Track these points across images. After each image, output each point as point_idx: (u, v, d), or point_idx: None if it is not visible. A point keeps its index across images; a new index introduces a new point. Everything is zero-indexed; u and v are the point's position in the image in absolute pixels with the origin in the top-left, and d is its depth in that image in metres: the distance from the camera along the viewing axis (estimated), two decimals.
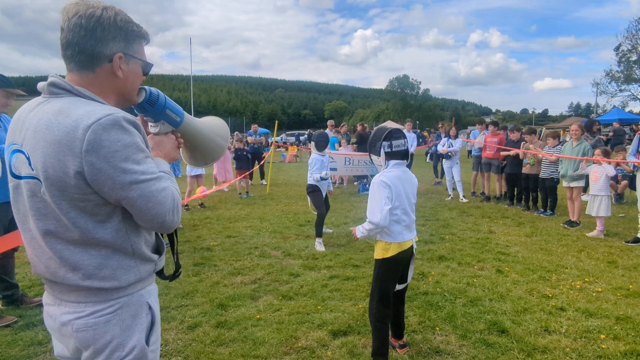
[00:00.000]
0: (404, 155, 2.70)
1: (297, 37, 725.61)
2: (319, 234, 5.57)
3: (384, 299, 2.66)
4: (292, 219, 7.33)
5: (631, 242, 5.49)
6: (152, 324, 1.33)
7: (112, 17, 1.20)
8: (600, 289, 3.90)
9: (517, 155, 7.86)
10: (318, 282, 4.25)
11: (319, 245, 5.48)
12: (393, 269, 2.68)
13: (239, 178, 9.60)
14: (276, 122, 12.18)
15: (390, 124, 49.60)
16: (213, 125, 1.66)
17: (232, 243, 5.79)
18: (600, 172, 5.95)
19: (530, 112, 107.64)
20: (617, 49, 43.47)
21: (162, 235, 1.45)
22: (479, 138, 9.29)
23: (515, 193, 8.36)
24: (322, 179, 5.68)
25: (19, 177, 1.21)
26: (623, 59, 42.87)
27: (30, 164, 1.16)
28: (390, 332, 2.91)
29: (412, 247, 2.72)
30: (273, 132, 11.54)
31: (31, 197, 1.18)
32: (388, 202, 2.54)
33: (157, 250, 1.39)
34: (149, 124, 1.45)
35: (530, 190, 7.88)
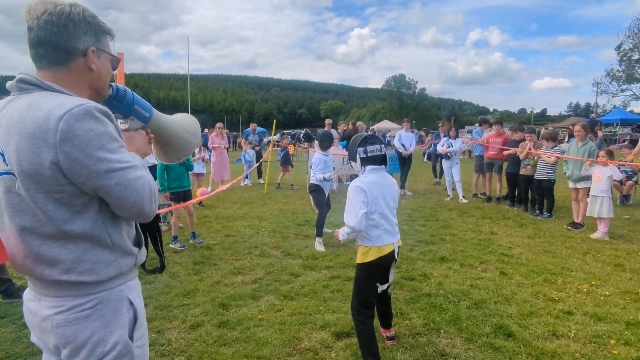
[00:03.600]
0: (381, 160, 2.74)
1: (293, 36, 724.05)
2: (319, 233, 5.50)
3: (365, 300, 2.70)
4: (290, 219, 7.25)
5: None
6: (135, 319, 1.32)
7: (81, 13, 1.23)
8: (608, 293, 3.84)
9: (518, 155, 7.80)
10: (319, 282, 4.17)
11: (318, 245, 5.40)
12: (372, 273, 2.72)
13: (283, 172, 11.38)
14: (274, 121, 12.07)
15: (386, 124, 49.48)
16: (182, 122, 1.68)
17: (231, 242, 5.70)
18: (603, 173, 5.90)
19: (528, 111, 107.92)
20: (618, 48, 42.96)
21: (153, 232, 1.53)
22: (484, 137, 9.24)
23: (515, 194, 8.31)
24: (325, 179, 5.63)
25: None
26: (624, 58, 42.40)
27: (4, 160, 1.16)
28: (379, 322, 3.04)
29: (393, 251, 2.72)
30: (269, 131, 11.51)
31: (6, 194, 1.18)
32: (363, 206, 2.57)
33: (138, 243, 1.38)
34: (119, 120, 1.47)
35: (530, 191, 7.82)
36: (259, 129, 24.24)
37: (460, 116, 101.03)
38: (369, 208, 2.61)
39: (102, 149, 1.14)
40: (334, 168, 8.95)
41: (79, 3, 1.25)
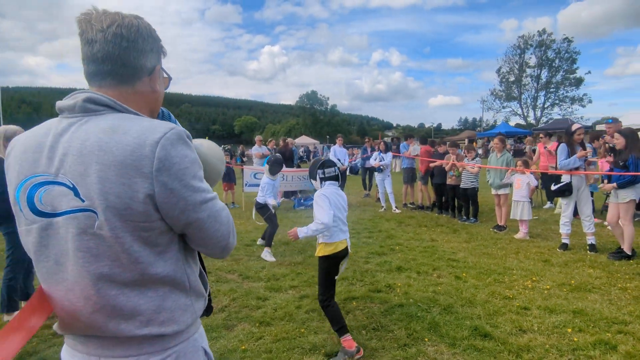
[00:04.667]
0: (335, 178, 3.44)
1: (203, 52, 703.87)
2: (269, 244, 5.55)
3: (329, 287, 3.25)
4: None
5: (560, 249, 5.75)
6: None
7: (148, 27, 1.10)
8: (548, 287, 4.33)
9: (444, 166, 8.48)
10: (290, 304, 4.10)
11: (268, 255, 5.53)
12: (333, 263, 3.30)
13: (227, 189, 10.82)
14: (206, 137, 11.63)
15: (304, 140, 50.17)
16: (210, 147, 1.53)
17: None
18: (522, 180, 6.67)
19: (427, 126, 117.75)
20: (498, 70, 51.10)
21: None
22: (412, 150, 9.87)
23: (442, 202, 9.00)
24: (271, 206, 5.84)
25: (53, 215, 1.00)
26: (503, 80, 50.46)
27: (78, 195, 0.97)
28: None
29: (346, 246, 3.35)
30: None
31: (79, 235, 0.98)
32: (331, 208, 3.23)
33: (204, 283, 1.26)
34: None
35: (456, 199, 8.54)
36: None
37: (369, 131, 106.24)
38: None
39: (195, 177, 1.02)
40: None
41: (140, 16, 1.11)
